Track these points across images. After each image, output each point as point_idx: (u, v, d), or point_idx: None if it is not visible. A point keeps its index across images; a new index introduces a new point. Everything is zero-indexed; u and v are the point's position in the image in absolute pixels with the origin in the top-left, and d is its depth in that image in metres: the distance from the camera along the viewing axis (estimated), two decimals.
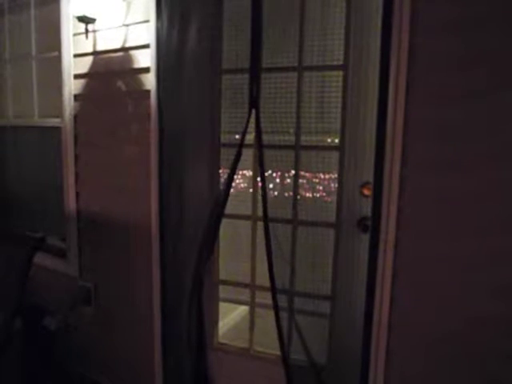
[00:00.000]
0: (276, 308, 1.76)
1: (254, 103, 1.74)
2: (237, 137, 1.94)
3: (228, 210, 1.87)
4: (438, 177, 1.43)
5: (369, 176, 1.62)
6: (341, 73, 1.72)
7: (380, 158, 1.51)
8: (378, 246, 1.53)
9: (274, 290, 1.75)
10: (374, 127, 1.54)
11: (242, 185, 2.15)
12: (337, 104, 1.74)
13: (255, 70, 1.74)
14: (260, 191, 1.79)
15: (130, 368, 2.22)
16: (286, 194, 1.89)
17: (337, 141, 1.80)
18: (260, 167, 1.76)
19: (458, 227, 1.42)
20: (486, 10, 1.31)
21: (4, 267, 1.93)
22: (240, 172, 2.14)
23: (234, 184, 1.93)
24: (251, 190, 1.96)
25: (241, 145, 1.78)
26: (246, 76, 1.79)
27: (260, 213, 1.88)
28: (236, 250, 2.19)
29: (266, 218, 1.74)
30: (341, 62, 1.72)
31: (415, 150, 1.45)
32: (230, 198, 1.85)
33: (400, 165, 1.46)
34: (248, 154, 1.92)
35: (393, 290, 1.52)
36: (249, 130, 1.82)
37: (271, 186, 1.96)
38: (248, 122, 1.76)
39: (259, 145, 1.75)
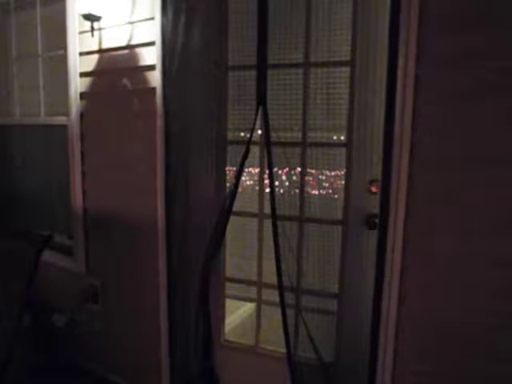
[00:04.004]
0: (283, 305, 1.75)
1: (261, 100, 1.73)
2: (242, 134, 1.93)
3: (235, 207, 1.86)
4: (447, 174, 1.42)
5: (377, 173, 1.60)
6: (348, 69, 1.70)
7: (388, 154, 1.49)
8: (385, 244, 1.52)
9: (281, 287, 1.75)
10: (381, 124, 1.53)
11: (248, 182, 2.15)
12: (344, 100, 1.72)
13: (262, 66, 1.72)
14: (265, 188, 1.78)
15: (137, 365, 2.23)
16: (292, 192, 1.88)
17: (342, 138, 1.78)
18: (268, 165, 1.75)
19: (467, 225, 1.41)
20: (497, 4, 1.29)
21: (12, 265, 1.95)
22: (246, 169, 2.14)
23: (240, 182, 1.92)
24: (257, 188, 1.96)
25: (249, 142, 1.77)
26: (252, 73, 1.77)
27: (266, 210, 1.88)
28: (243, 248, 2.18)
29: (274, 216, 1.73)
30: (348, 58, 1.70)
31: (424, 147, 1.43)
32: (237, 196, 1.84)
33: (408, 161, 1.45)
34: (254, 151, 1.91)
35: (401, 287, 1.50)
36: (256, 126, 1.82)
37: (277, 183, 1.95)
38: (256, 118, 1.75)
39: (267, 142, 1.74)
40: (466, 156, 1.38)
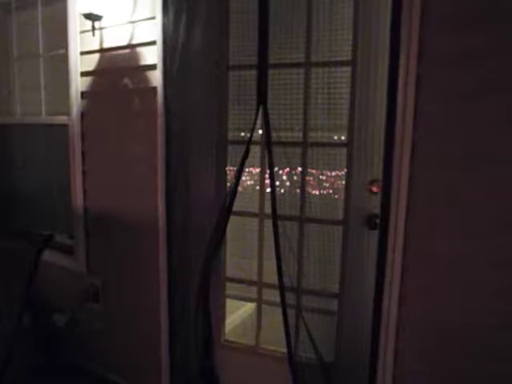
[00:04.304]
0: (284, 305, 1.75)
1: (262, 99, 1.73)
2: (242, 134, 1.93)
3: (235, 207, 1.86)
4: (448, 174, 1.41)
5: (378, 173, 1.60)
6: (349, 68, 1.70)
7: (389, 154, 1.49)
8: (386, 244, 1.52)
9: (282, 287, 1.75)
10: (382, 123, 1.52)
11: (249, 182, 2.14)
12: (345, 100, 1.72)
13: (263, 66, 1.72)
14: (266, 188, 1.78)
15: (137, 365, 2.23)
16: (293, 192, 1.88)
17: (343, 138, 1.78)
18: (269, 165, 1.74)
19: (468, 225, 1.41)
20: (498, 4, 1.29)
21: (12, 264, 1.95)
22: (247, 169, 2.14)
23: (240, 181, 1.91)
24: (258, 187, 1.95)
25: (249, 142, 1.77)
26: (253, 72, 1.78)
27: (267, 210, 1.88)
28: (243, 248, 2.18)
29: (274, 216, 1.73)
30: (349, 58, 1.70)
31: (425, 147, 1.43)
32: (237, 195, 1.84)
33: (409, 161, 1.44)
34: (254, 151, 1.91)
35: (401, 287, 1.50)
36: (257, 125, 1.82)
37: (277, 183, 1.95)
38: (256, 118, 1.74)
39: (268, 142, 1.74)
40: (466, 156, 1.38)
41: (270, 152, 1.73)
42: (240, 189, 1.93)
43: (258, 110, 1.74)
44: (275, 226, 1.72)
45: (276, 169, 1.88)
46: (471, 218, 1.40)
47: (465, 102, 1.36)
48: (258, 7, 1.71)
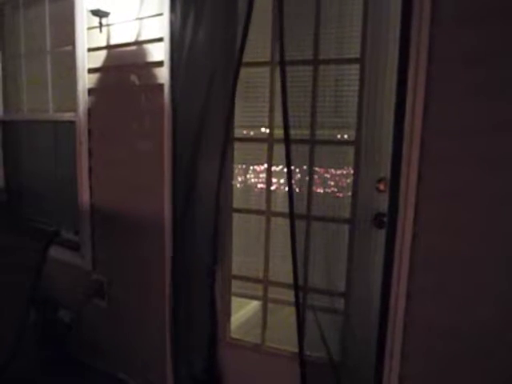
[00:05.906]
0: (297, 304, 1.74)
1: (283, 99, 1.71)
2: (244, 132, 1.93)
3: (242, 204, 1.85)
4: (457, 173, 1.40)
5: (385, 171, 1.59)
6: (357, 66, 1.69)
7: (397, 153, 1.48)
8: (394, 243, 1.51)
9: (296, 286, 1.73)
10: (391, 121, 1.51)
11: (254, 180, 2.13)
12: (353, 98, 1.71)
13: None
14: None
15: (141, 361, 2.24)
16: (298, 190, 1.86)
17: (346, 136, 1.77)
18: (287, 163, 1.72)
19: (478, 225, 1.39)
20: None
21: (19, 260, 1.95)
22: (251, 167, 2.14)
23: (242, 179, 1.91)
24: (261, 186, 1.95)
25: (227, 138, 1.76)
26: (260, 69, 1.77)
27: (273, 208, 1.87)
28: (249, 245, 2.17)
29: (292, 216, 1.72)
30: (358, 55, 1.68)
31: (434, 145, 1.42)
32: (242, 194, 1.84)
33: (418, 160, 1.43)
34: (260, 148, 1.90)
35: (409, 287, 1.49)
36: (263, 123, 1.82)
37: (282, 181, 1.95)
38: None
39: (286, 140, 1.72)
40: (476, 154, 1.37)
41: (287, 151, 1.71)
42: (243, 187, 1.93)
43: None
44: (292, 226, 1.71)
45: (281, 166, 1.88)
46: (482, 218, 1.38)
47: (476, 100, 1.34)
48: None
